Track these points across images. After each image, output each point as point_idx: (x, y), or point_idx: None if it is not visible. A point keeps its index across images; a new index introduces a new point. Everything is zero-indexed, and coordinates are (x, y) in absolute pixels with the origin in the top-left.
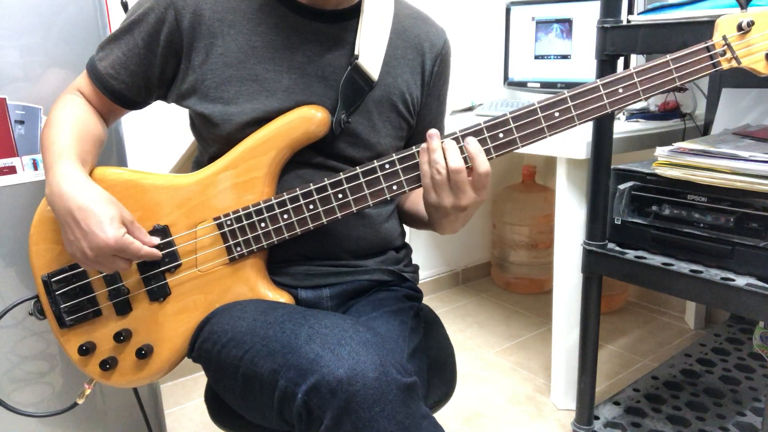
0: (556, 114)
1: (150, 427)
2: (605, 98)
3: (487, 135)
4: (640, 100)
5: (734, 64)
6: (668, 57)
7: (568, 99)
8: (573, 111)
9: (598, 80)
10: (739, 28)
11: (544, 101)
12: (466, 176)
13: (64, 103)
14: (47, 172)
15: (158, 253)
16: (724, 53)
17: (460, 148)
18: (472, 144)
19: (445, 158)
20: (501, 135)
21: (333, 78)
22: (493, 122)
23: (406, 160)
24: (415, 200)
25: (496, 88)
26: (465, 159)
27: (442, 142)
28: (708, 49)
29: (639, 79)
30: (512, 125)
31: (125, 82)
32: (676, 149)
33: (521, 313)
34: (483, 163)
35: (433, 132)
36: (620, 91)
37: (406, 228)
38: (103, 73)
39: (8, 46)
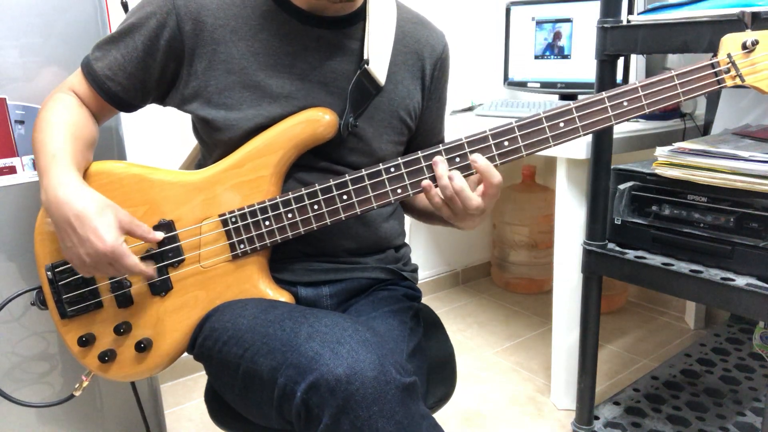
0: (561, 124)
1: (148, 427)
2: (610, 110)
3: (492, 143)
4: (644, 114)
5: (738, 81)
6: (673, 72)
7: (573, 110)
8: (578, 122)
9: (603, 93)
10: (744, 46)
11: (550, 111)
12: (471, 192)
13: (56, 104)
14: (42, 177)
15: (152, 272)
16: (728, 71)
17: (467, 165)
18: (480, 160)
19: (452, 185)
20: (506, 143)
21: (335, 85)
22: (498, 130)
23: (411, 165)
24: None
25: (496, 88)
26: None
27: (449, 171)
28: (713, 66)
29: (643, 93)
30: (517, 134)
31: (122, 84)
32: (676, 149)
33: (521, 313)
34: (494, 176)
35: (438, 159)
36: (625, 104)
37: (406, 228)
38: (99, 74)
39: (8, 46)
